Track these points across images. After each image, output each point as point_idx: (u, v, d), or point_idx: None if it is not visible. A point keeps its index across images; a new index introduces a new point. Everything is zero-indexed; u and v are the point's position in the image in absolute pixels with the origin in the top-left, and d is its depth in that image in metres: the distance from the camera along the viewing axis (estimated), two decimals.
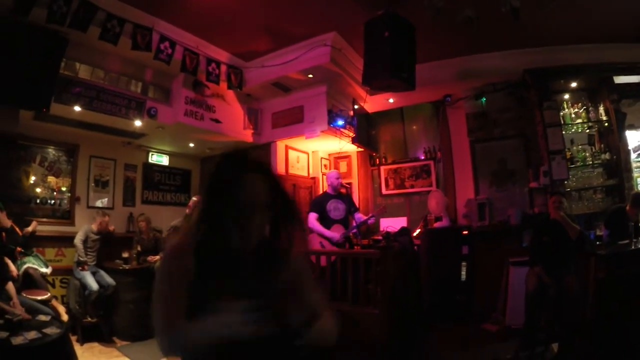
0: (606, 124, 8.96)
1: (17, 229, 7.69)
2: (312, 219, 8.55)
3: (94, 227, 8.84)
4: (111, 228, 9.21)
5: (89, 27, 6.93)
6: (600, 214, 8.38)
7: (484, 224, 9.87)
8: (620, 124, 8.74)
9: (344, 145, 11.13)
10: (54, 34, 7.06)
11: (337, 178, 8.92)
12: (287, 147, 11.60)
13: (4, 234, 7.28)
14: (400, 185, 12.07)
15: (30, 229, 7.99)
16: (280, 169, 11.21)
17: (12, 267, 6.99)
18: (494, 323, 8.33)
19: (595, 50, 8.79)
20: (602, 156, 8.95)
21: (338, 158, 13.07)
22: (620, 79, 8.93)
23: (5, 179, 8.56)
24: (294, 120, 10.84)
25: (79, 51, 7.88)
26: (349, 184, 12.34)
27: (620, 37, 8.50)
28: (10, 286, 6.22)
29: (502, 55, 9.34)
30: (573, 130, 9.21)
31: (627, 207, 7.38)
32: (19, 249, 7.62)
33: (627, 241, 6.73)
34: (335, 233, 8.39)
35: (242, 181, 2.13)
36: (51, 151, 9.41)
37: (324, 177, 11.09)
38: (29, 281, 7.39)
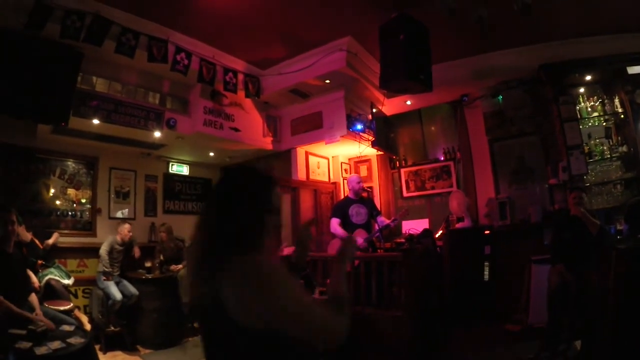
0: (622, 116, 8.89)
1: (37, 242, 7.77)
2: (335, 224, 8.56)
3: (118, 238, 8.91)
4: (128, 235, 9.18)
5: (104, 41, 7.01)
6: (620, 208, 8.29)
7: (505, 223, 9.81)
8: (635, 115, 8.65)
9: (364, 149, 11.10)
10: (69, 48, 7.16)
11: (358, 182, 8.92)
12: (307, 153, 11.62)
13: (24, 247, 7.36)
14: (421, 187, 12.03)
15: (51, 241, 8.04)
16: (301, 175, 11.26)
17: (34, 278, 7.05)
18: (517, 323, 8.29)
19: (608, 42, 8.72)
20: (620, 149, 8.87)
21: (358, 162, 13.06)
22: (633, 69, 8.83)
23: (25, 192, 8.67)
24: (313, 126, 10.88)
25: (95, 65, 7.99)
26: (370, 187, 12.31)
27: (631, 27, 8.42)
28: (33, 297, 6.26)
29: (516, 52, 9.31)
30: (590, 124, 9.15)
31: None
32: (40, 261, 7.70)
33: None
34: (358, 238, 8.36)
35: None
36: (70, 164, 9.50)
37: (345, 181, 11.06)
38: (51, 292, 7.43)
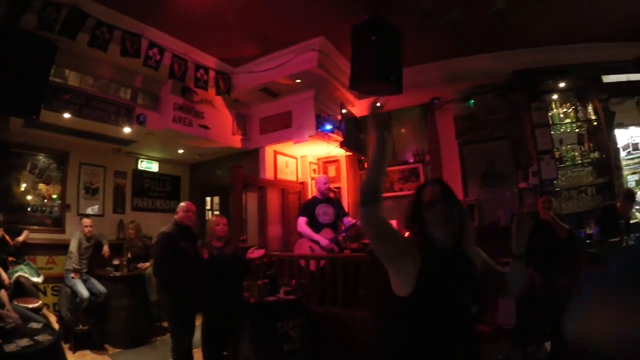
0: (595, 123, 9.05)
1: (7, 238, 7.68)
2: (302, 223, 8.61)
3: (82, 234, 8.85)
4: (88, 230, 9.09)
5: (78, 34, 6.93)
6: (590, 213, 8.45)
7: (474, 225, 9.90)
8: (609, 122, 8.82)
9: (333, 149, 11.12)
10: (44, 40, 7.05)
11: (325, 183, 8.98)
12: (275, 153, 11.61)
13: None
14: (389, 188, 12.03)
15: (21, 238, 7.94)
16: (269, 174, 11.24)
17: (4, 275, 6.98)
18: (486, 324, 8.37)
19: (583, 50, 8.87)
20: (592, 155, 9.04)
21: (327, 162, 13.07)
22: (608, 78, 9.01)
23: None
24: (282, 126, 10.88)
25: (68, 58, 7.89)
26: (338, 188, 12.38)
27: (608, 37, 8.57)
28: (3, 294, 6.23)
29: (490, 57, 9.39)
30: (562, 130, 9.29)
31: (618, 204, 7.46)
32: (10, 258, 7.61)
33: (617, 239, 6.80)
34: (324, 240, 8.42)
35: None
36: (42, 158, 9.40)
37: (313, 181, 11.09)
38: (20, 290, 7.36)
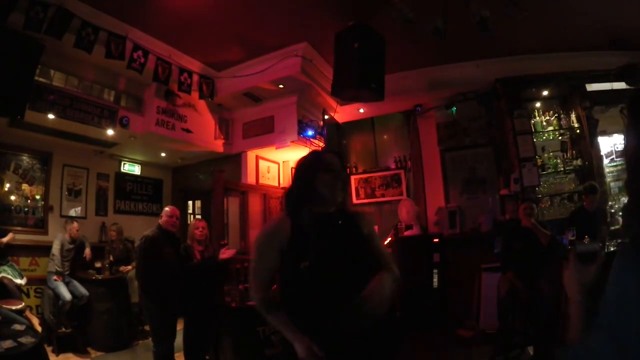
0: (578, 131, 9.17)
1: None
2: None
3: (67, 236, 8.79)
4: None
5: (65, 34, 6.92)
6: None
7: (455, 232, 9.99)
8: (592, 130, 8.94)
9: None
10: (29, 40, 7.03)
11: None
12: (257, 157, 11.65)
13: None
14: (371, 194, 12.13)
15: (5, 239, 7.93)
16: (251, 179, 11.28)
17: None
18: (468, 329, 8.43)
19: (567, 59, 9.01)
20: (574, 162, 9.16)
21: None
22: (592, 87, 9.14)
23: None
24: (264, 131, 10.91)
25: (53, 58, 7.88)
26: None
27: (591, 46, 8.70)
28: None
29: (472, 65, 9.47)
30: (544, 137, 9.41)
31: (584, 203, 7.62)
32: None
33: (600, 244, 6.88)
34: None
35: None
36: (25, 159, 9.36)
37: None
38: (3, 291, 7.34)
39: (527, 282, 6.61)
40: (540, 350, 6.51)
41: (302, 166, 3.10)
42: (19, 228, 8.83)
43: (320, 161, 3.04)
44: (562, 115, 9.28)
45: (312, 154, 3.20)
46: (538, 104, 9.66)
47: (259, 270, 2.95)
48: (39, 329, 7.49)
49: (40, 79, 7.90)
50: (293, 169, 3.36)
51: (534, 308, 6.46)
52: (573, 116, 9.20)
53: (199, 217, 11.99)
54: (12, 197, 9.11)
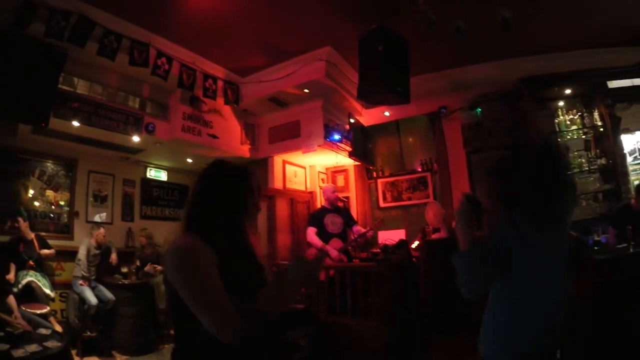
0: (601, 129, 9.00)
1: (36, 244, 7.90)
2: (311, 233, 8.61)
3: (93, 241, 8.86)
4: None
5: (87, 42, 6.99)
6: (597, 219, 8.39)
7: (482, 234, 9.87)
8: (615, 128, 8.77)
9: (341, 159, 11.17)
10: (52, 48, 7.10)
11: (333, 192, 8.99)
12: (284, 162, 11.64)
13: (22, 244, 7.57)
14: (398, 197, 12.08)
15: (47, 252, 8.13)
16: (277, 183, 11.26)
17: (12, 273, 7.05)
18: None
19: (588, 56, 8.90)
20: (598, 161, 8.97)
21: (335, 172, 13.09)
22: (613, 84, 8.95)
23: (3, 193, 8.59)
24: (290, 135, 10.90)
25: (77, 66, 7.93)
26: (347, 197, 12.39)
27: (611, 42, 8.60)
28: (12, 299, 6.27)
29: (495, 65, 9.44)
30: (568, 137, 9.24)
31: (632, 201, 7.43)
32: (31, 262, 7.71)
33: (624, 245, 6.76)
34: (333, 251, 8.42)
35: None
36: (50, 165, 9.44)
37: (321, 191, 11.10)
38: (30, 295, 7.41)
39: None
40: (565, 353, 6.41)
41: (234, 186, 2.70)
42: (43, 233, 8.83)
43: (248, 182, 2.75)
44: (585, 114, 9.13)
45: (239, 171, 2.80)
46: (561, 103, 9.50)
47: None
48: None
49: (64, 87, 7.95)
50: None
51: None
52: (596, 114, 9.03)
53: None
54: (36, 203, 9.17)
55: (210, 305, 2.20)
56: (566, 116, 9.24)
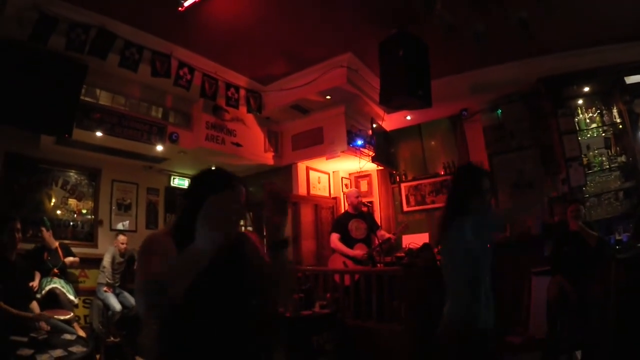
0: (620, 126, 8.90)
1: (60, 252, 7.94)
2: (335, 239, 8.66)
3: (117, 249, 8.96)
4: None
5: (108, 54, 7.09)
6: (619, 218, 8.36)
7: (505, 236, 9.81)
8: (634, 125, 8.65)
9: (364, 164, 11.16)
10: (74, 60, 7.21)
11: (357, 197, 9.02)
12: (308, 169, 11.67)
13: (47, 252, 7.65)
14: (421, 201, 12.06)
15: (70, 260, 8.15)
16: (302, 190, 11.31)
17: (37, 281, 7.11)
18: (518, 335, 8.31)
19: (605, 52, 8.78)
20: (619, 159, 8.87)
21: (358, 177, 13.06)
22: (631, 79, 8.85)
23: (26, 202, 8.72)
24: (314, 142, 10.94)
25: (99, 77, 8.07)
26: (370, 202, 12.30)
27: (628, 37, 8.48)
28: (35, 305, 6.33)
29: (514, 65, 9.36)
30: (588, 135, 9.15)
31: None
32: (56, 270, 7.77)
33: None
34: (358, 252, 8.43)
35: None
36: (73, 175, 9.57)
37: (345, 196, 11.10)
38: (53, 301, 7.45)
39: (577, 285, 6.49)
40: (589, 355, 6.39)
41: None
42: (67, 241, 8.91)
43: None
44: (604, 111, 9.04)
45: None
46: (580, 101, 9.38)
47: None
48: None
49: (87, 99, 8.09)
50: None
51: (583, 311, 6.33)
52: (615, 111, 8.93)
53: (250, 229, 12.04)
54: (59, 212, 9.29)
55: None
56: (586, 114, 9.16)
